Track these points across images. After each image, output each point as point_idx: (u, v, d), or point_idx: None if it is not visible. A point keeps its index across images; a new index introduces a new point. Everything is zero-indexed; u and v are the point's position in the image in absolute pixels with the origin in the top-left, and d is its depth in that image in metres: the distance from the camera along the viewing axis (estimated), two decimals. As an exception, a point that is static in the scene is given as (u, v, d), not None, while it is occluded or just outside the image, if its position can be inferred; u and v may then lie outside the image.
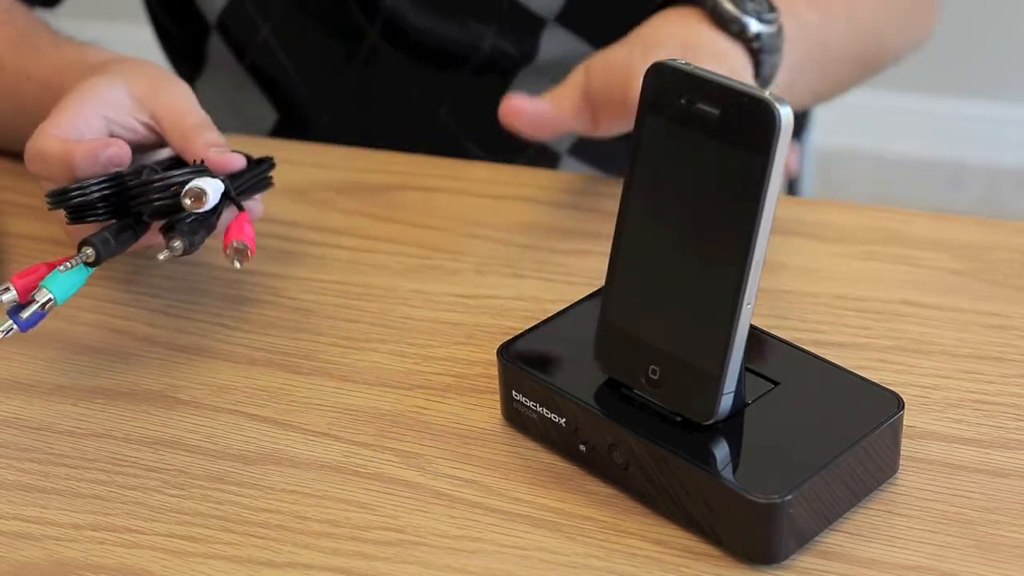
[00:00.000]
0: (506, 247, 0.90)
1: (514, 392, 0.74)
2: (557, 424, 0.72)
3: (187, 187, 0.77)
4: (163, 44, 1.20)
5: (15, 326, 0.75)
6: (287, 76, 1.12)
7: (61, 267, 0.76)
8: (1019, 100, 2.42)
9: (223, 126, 1.20)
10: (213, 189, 0.78)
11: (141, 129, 0.84)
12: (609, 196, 0.91)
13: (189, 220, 0.78)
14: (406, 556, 0.69)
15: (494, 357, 0.75)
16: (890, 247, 0.88)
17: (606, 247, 0.71)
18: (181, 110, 0.84)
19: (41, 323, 0.85)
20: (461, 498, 0.72)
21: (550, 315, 0.77)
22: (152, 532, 0.71)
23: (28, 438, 0.77)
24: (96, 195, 0.78)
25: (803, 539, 0.67)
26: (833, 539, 0.68)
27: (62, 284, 0.76)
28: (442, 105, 1.09)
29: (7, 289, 0.76)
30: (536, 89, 1.08)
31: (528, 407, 0.73)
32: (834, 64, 0.99)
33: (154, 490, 0.73)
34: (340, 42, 1.09)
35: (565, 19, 1.05)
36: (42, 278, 0.76)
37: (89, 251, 0.76)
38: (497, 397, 0.76)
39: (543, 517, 0.70)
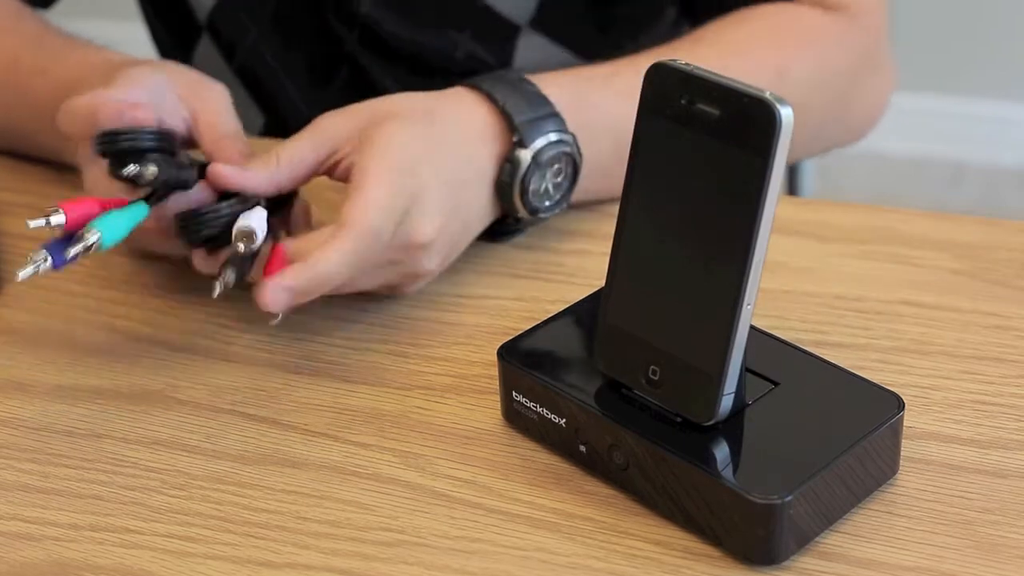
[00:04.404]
0: (506, 247, 0.90)
1: (514, 392, 0.74)
2: (557, 424, 0.72)
3: (237, 228, 0.77)
4: (156, 46, 1.20)
5: (50, 259, 0.73)
6: (275, 81, 1.12)
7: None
8: (1019, 100, 2.42)
9: None
10: (260, 226, 0.78)
11: (180, 124, 0.84)
12: (609, 196, 0.91)
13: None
14: (406, 556, 0.69)
15: (494, 357, 0.75)
16: (890, 247, 0.88)
17: (606, 247, 0.71)
18: (218, 115, 0.85)
19: (41, 322, 0.85)
20: (461, 498, 0.72)
21: (550, 315, 0.77)
22: (152, 532, 0.71)
23: (28, 438, 0.77)
24: (149, 144, 0.78)
25: (803, 539, 0.67)
26: (833, 539, 0.68)
27: (112, 225, 0.74)
28: None
29: (56, 211, 0.73)
30: None
31: (528, 407, 0.73)
32: None
33: (154, 490, 0.73)
34: (321, 49, 1.09)
35: (539, 24, 1.05)
36: (93, 214, 0.74)
37: (152, 168, 0.75)
38: (497, 397, 0.76)
39: (543, 517, 0.70)
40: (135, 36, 1.42)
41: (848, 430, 0.69)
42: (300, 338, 0.83)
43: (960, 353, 0.79)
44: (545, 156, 0.84)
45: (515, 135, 0.84)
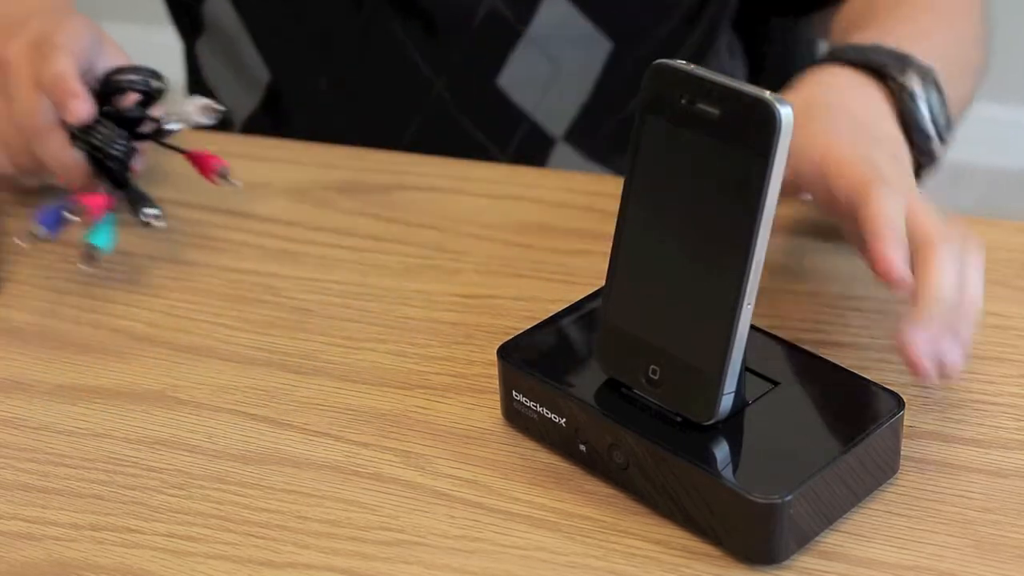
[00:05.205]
0: (506, 247, 0.90)
1: (514, 392, 0.74)
2: (557, 424, 0.72)
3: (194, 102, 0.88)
4: (168, 4, 1.19)
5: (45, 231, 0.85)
6: (286, 38, 1.11)
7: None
8: (1020, 101, 2.42)
9: (222, 88, 1.18)
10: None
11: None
12: (609, 196, 0.91)
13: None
14: (406, 556, 0.69)
15: (494, 357, 0.75)
16: (890, 247, 0.88)
17: (606, 247, 0.71)
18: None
19: (41, 322, 0.85)
20: (461, 498, 0.72)
21: (550, 315, 0.77)
22: (152, 532, 0.71)
23: (28, 438, 0.77)
24: (119, 149, 0.87)
25: (803, 539, 0.67)
26: (833, 539, 0.68)
27: (106, 237, 0.85)
28: (439, 76, 1.08)
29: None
30: (533, 65, 1.08)
31: (528, 407, 0.73)
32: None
33: (154, 490, 0.73)
34: (337, 5, 1.08)
35: None
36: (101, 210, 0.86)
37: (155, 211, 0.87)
38: (497, 397, 0.76)
39: (543, 517, 0.70)
40: (136, 37, 1.43)
41: (848, 430, 0.69)
42: (300, 338, 0.83)
43: (960, 353, 0.79)
44: (927, 77, 0.84)
45: (895, 72, 0.84)
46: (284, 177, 0.93)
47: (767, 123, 0.63)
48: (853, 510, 0.69)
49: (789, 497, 0.65)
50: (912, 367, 0.68)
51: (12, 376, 0.81)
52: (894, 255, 0.69)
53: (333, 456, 0.75)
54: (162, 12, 1.19)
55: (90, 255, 0.84)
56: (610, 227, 0.70)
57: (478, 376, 0.79)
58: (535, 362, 0.74)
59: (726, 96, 0.65)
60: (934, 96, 0.85)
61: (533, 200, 0.95)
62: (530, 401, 0.73)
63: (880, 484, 0.70)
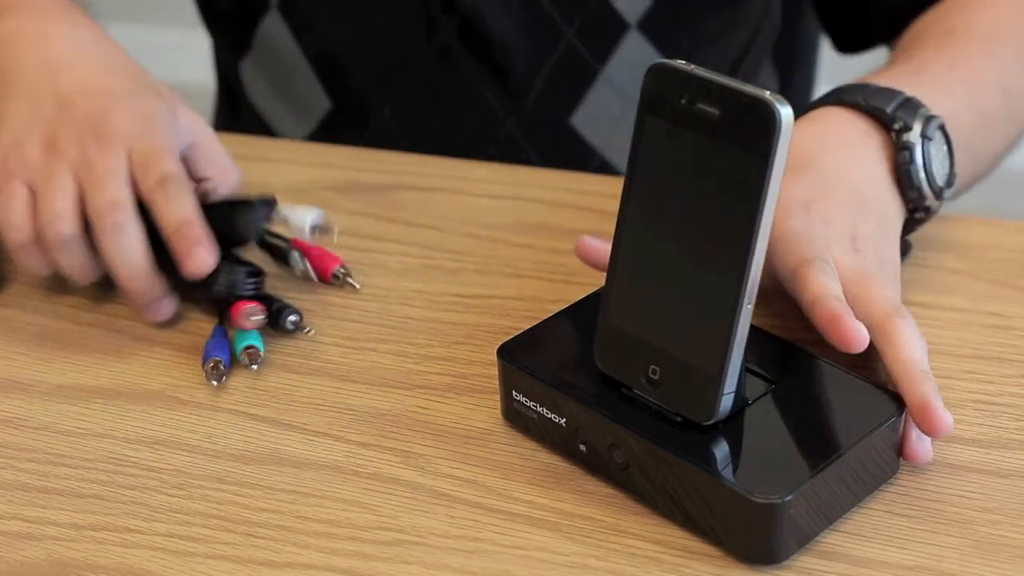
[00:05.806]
0: (506, 247, 0.90)
1: (514, 392, 0.74)
2: (557, 424, 0.72)
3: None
4: (206, 18, 1.17)
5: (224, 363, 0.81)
6: (350, 62, 1.09)
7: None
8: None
9: (269, 110, 1.15)
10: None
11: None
12: (609, 196, 0.91)
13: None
14: (406, 556, 0.69)
15: (494, 357, 0.75)
16: (890, 247, 0.88)
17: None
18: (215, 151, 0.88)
19: (41, 322, 0.85)
20: (461, 498, 0.72)
21: (550, 315, 0.77)
22: (152, 532, 0.71)
23: (28, 438, 0.77)
24: (249, 291, 0.83)
25: (803, 539, 0.67)
26: (833, 539, 0.68)
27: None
28: (510, 116, 1.07)
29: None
30: (607, 103, 1.07)
31: (528, 407, 0.73)
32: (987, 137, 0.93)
33: (154, 490, 0.73)
34: (412, 33, 1.06)
35: (647, 25, 1.04)
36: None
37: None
38: (497, 397, 0.76)
39: (543, 517, 0.70)
40: (138, 39, 1.43)
41: (848, 430, 0.69)
42: (300, 338, 0.83)
43: (960, 353, 0.79)
44: (930, 131, 0.82)
45: (896, 123, 0.82)
46: (284, 177, 0.93)
47: (767, 123, 0.63)
48: (853, 510, 0.69)
49: (789, 497, 0.65)
50: (938, 433, 0.69)
51: (12, 376, 0.81)
52: (856, 328, 0.71)
53: (333, 456, 0.75)
54: (163, 12, 1.18)
55: (254, 357, 0.80)
56: (610, 227, 0.70)
57: (478, 376, 0.79)
58: (535, 362, 0.74)
59: (726, 96, 0.65)
60: (937, 150, 0.82)
61: (533, 200, 0.95)
62: (530, 401, 0.73)
63: (880, 484, 0.70)
